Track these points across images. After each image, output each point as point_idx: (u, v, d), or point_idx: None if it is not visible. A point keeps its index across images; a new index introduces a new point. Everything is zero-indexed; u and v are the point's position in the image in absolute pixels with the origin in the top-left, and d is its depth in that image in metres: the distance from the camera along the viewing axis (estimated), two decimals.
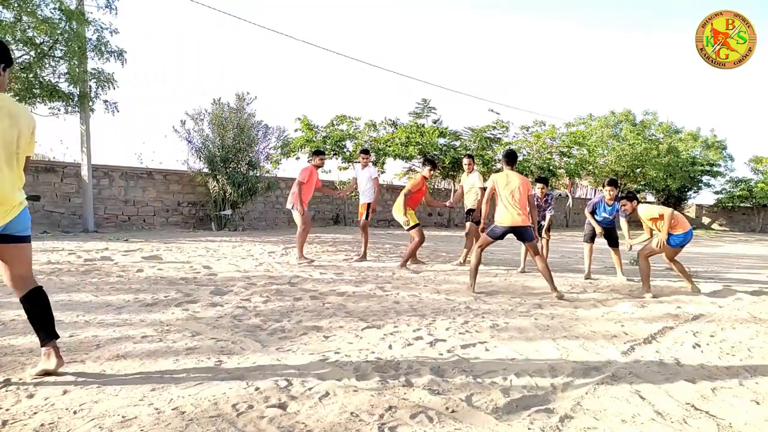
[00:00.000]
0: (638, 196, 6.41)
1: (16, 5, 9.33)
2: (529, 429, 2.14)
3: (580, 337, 3.66)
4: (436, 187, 21.41)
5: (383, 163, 18.48)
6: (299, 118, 17.23)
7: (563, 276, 6.95)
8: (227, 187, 12.70)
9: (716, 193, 32.06)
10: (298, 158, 17.08)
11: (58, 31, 9.78)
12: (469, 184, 7.77)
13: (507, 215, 5.25)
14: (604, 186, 6.78)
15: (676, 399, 2.53)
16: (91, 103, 10.84)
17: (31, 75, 9.77)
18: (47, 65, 10.18)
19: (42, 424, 2.01)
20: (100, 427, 2.01)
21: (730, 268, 8.98)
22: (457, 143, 19.69)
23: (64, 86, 10.40)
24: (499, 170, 22.28)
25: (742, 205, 31.47)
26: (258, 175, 13.47)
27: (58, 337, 2.61)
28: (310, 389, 2.47)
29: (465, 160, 7.97)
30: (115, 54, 10.77)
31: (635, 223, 6.86)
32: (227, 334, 3.39)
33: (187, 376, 2.59)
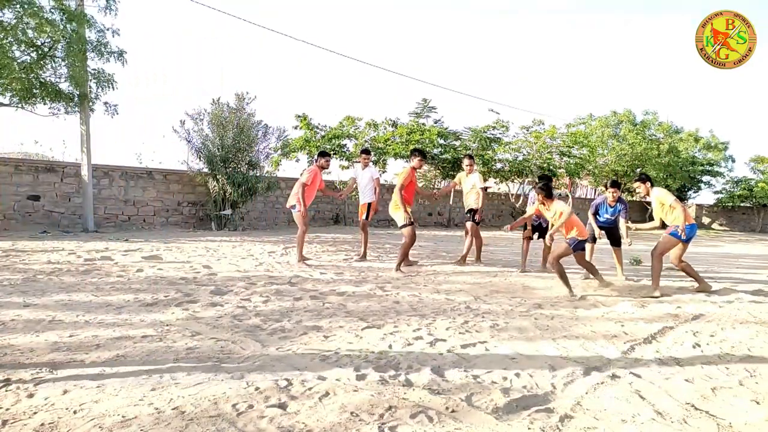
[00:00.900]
0: (638, 195, 6.43)
1: (18, 6, 9.33)
2: (529, 429, 2.14)
3: (580, 337, 3.66)
4: (435, 186, 21.41)
5: (384, 163, 18.49)
6: (299, 116, 17.22)
7: None
8: (227, 187, 12.70)
9: (716, 192, 32.08)
10: (297, 160, 17.06)
11: (59, 32, 9.78)
12: (470, 185, 7.75)
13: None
14: (606, 188, 6.77)
15: (676, 399, 2.53)
16: (91, 104, 10.85)
17: (31, 75, 9.77)
18: (48, 66, 10.18)
19: (42, 424, 2.01)
20: (100, 427, 2.01)
21: (730, 268, 8.98)
22: (457, 143, 19.69)
23: (64, 86, 10.41)
24: (499, 170, 22.05)
25: (742, 204, 31.48)
26: (258, 175, 13.46)
27: None
28: (310, 389, 2.47)
29: (465, 161, 7.94)
30: (116, 54, 10.77)
31: (635, 220, 6.85)
32: (227, 334, 3.39)
33: (187, 376, 2.59)
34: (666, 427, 2.22)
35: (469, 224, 7.75)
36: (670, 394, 2.59)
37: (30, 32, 9.56)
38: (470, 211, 7.82)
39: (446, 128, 20.06)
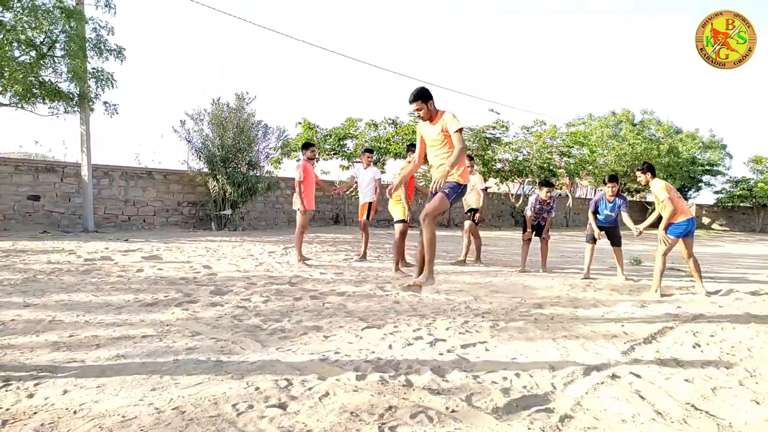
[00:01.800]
0: (638, 195, 6.43)
1: (17, 5, 9.33)
2: (529, 429, 2.14)
3: (580, 337, 3.66)
4: None
5: (384, 163, 18.49)
6: (300, 123, 17.25)
7: (563, 275, 6.95)
8: (227, 187, 12.70)
9: (716, 192, 32.09)
10: (299, 160, 17.12)
11: (58, 29, 9.78)
12: (470, 185, 7.75)
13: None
14: (605, 183, 6.74)
15: (676, 399, 2.53)
16: (90, 104, 10.85)
17: (31, 75, 9.77)
18: (47, 65, 10.18)
19: (42, 424, 2.01)
20: (100, 427, 2.01)
21: (730, 268, 8.98)
22: None
23: (64, 86, 10.41)
24: (499, 170, 22.05)
25: (742, 204, 31.50)
26: (258, 175, 13.46)
27: None
28: (310, 389, 2.47)
29: (466, 162, 7.92)
30: (114, 52, 10.78)
31: (639, 214, 6.85)
32: (227, 334, 3.39)
33: (187, 376, 2.59)
34: (666, 427, 2.22)
35: (467, 224, 7.75)
36: (670, 394, 2.59)
37: (29, 31, 9.56)
38: (471, 210, 7.81)
39: None
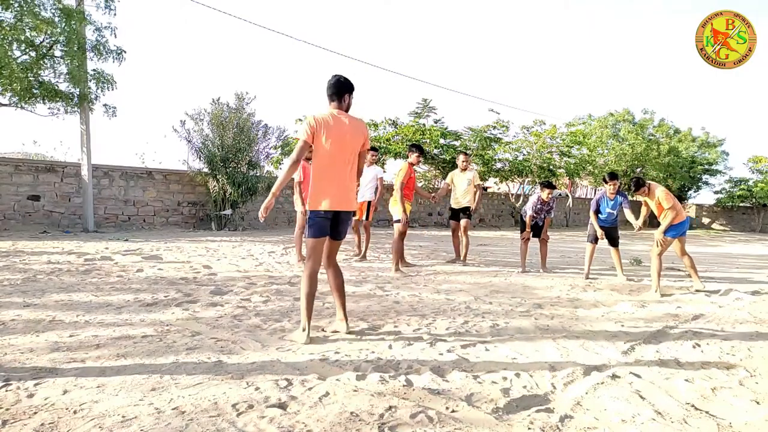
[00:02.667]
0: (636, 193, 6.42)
1: (16, 6, 9.33)
2: (529, 429, 2.14)
3: (580, 337, 3.66)
4: (436, 186, 21.40)
5: (383, 163, 18.48)
6: (300, 119, 17.22)
7: (563, 275, 6.95)
8: (227, 186, 12.70)
9: (716, 192, 32.10)
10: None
11: (58, 30, 9.78)
12: (466, 181, 7.75)
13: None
14: (605, 182, 6.74)
15: (676, 399, 2.53)
16: (90, 105, 10.85)
17: (31, 75, 9.77)
18: (47, 65, 10.18)
19: (42, 424, 2.01)
20: (100, 427, 2.01)
21: (730, 268, 8.98)
22: (457, 143, 19.70)
23: (63, 86, 10.41)
24: (499, 170, 22.06)
25: (742, 204, 31.49)
26: (258, 174, 13.46)
27: None
28: (310, 389, 2.46)
29: (461, 157, 7.92)
30: (114, 53, 10.77)
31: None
32: (227, 334, 3.39)
33: (187, 376, 2.59)
34: (666, 427, 2.22)
35: (464, 221, 7.72)
36: (670, 394, 2.59)
37: (29, 31, 9.56)
38: (467, 209, 7.79)
39: (446, 128, 20.06)
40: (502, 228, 21.65)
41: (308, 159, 7.37)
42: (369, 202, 7.67)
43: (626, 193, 8.29)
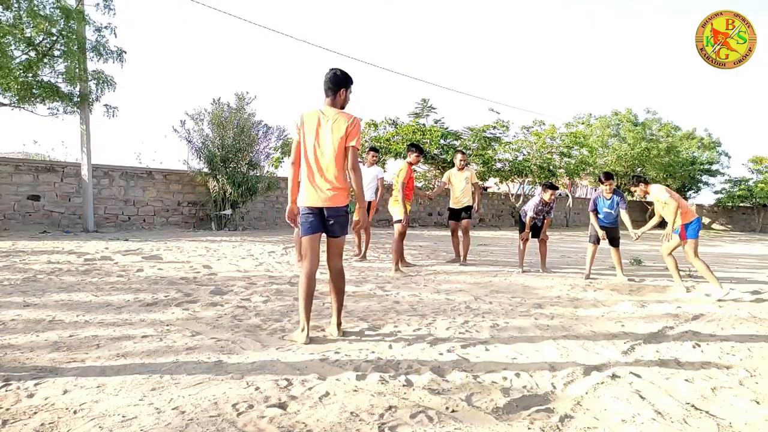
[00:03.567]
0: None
1: (15, 5, 9.33)
2: (529, 429, 2.14)
3: (580, 337, 3.66)
4: (436, 186, 21.41)
5: (384, 163, 18.48)
6: None
7: (563, 275, 6.95)
8: (227, 186, 12.70)
9: (716, 192, 32.11)
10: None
11: (57, 30, 9.77)
12: (464, 180, 7.76)
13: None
14: (601, 182, 6.78)
15: (676, 399, 2.53)
16: (91, 105, 10.85)
17: (31, 75, 9.77)
18: (47, 65, 10.18)
19: (42, 424, 2.01)
20: (100, 427, 2.01)
21: (730, 268, 8.98)
22: (457, 143, 19.70)
23: (63, 86, 10.41)
24: (499, 170, 22.05)
25: (742, 204, 31.50)
26: (258, 174, 13.46)
27: None
28: (310, 389, 2.46)
29: (458, 156, 7.93)
30: (115, 54, 10.77)
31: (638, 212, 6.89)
32: (227, 334, 3.39)
33: (187, 376, 2.59)
34: (666, 427, 2.22)
35: (465, 221, 7.73)
36: (670, 394, 2.59)
37: (28, 31, 9.56)
38: (468, 208, 7.79)
39: (446, 128, 20.06)
40: (502, 228, 21.65)
41: None
42: (369, 203, 7.68)
43: (623, 192, 8.32)
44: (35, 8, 9.45)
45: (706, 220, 33.66)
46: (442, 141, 19.00)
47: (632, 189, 6.20)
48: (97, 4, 10.56)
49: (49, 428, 1.99)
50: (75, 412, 2.13)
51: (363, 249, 7.81)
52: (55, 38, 9.97)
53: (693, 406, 2.46)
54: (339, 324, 3.52)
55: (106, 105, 11.01)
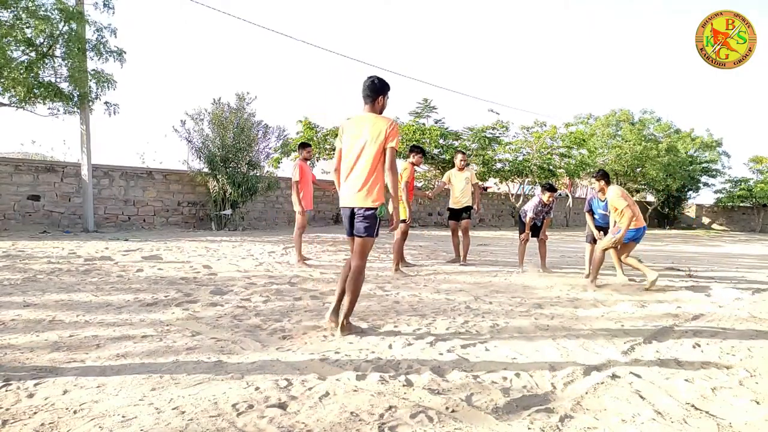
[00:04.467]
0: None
1: (14, 5, 9.32)
2: (529, 429, 2.14)
3: (580, 337, 3.66)
4: (436, 186, 21.41)
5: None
6: (300, 121, 17.24)
7: (563, 275, 6.95)
8: (227, 186, 12.70)
9: (716, 192, 32.10)
10: (293, 160, 17.16)
11: (57, 31, 9.77)
12: (464, 180, 7.76)
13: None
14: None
15: (676, 399, 2.53)
16: (91, 104, 10.85)
17: (31, 75, 9.77)
18: (47, 65, 10.18)
19: (42, 424, 2.01)
20: (100, 427, 2.01)
21: (730, 268, 8.98)
22: (457, 143, 19.70)
23: (64, 86, 10.41)
24: (499, 170, 22.05)
25: (741, 204, 31.51)
26: (258, 174, 13.47)
27: None
28: (310, 389, 2.46)
29: (458, 156, 7.93)
30: (115, 54, 10.77)
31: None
32: (227, 334, 3.39)
33: (187, 376, 2.59)
34: (666, 427, 2.22)
35: (465, 221, 7.73)
36: (670, 394, 2.59)
37: (28, 31, 9.55)
38: (468, 208, 7.79)
39: (446, 128, 20.05)
40: (502, 228, 21.65)
41: (306, 159, 7.40)
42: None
43: None
44: (35, 8, 9.45)
45: (706, 220, 33.68)
46: (441, 141, 19.01)
47: (592, 180, 6.32)
48: (96, 3, 10.56)
49: (49, 428, 1.99)
50: (75, 412, 2.13)
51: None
52: (55, 39, 9.97)
53: (693, 406, 2.46)
54: (344, 325, 3.51)
55: (106, 102, 11.01)
